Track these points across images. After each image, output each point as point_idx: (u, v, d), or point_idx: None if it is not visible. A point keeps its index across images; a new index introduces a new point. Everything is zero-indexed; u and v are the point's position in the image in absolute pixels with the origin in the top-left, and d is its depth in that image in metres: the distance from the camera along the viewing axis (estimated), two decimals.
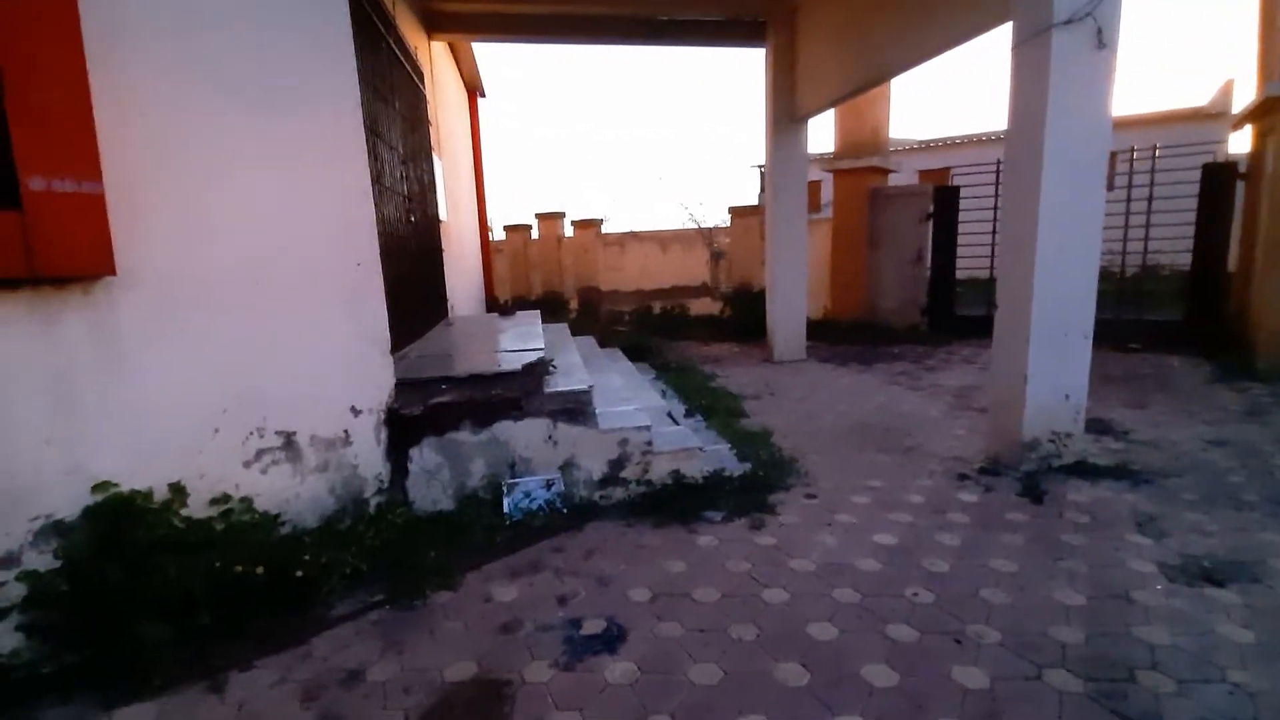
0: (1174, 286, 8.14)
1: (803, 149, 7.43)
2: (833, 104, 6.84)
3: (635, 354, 7.31)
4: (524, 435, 3.53)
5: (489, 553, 3.14)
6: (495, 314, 7.15)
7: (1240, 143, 7.65)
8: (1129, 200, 7.87)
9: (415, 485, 3.43)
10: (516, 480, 3.52)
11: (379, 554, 2.99)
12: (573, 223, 12.57)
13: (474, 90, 11.03)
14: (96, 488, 2.44)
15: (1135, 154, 7.83)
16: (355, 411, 3.17)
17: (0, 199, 2.08)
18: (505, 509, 3.43)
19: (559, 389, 3.79)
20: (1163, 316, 7.81)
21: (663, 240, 12.09)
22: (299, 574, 2.67)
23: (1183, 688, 2.05)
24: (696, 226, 11.58)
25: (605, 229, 12.73)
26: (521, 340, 4.95)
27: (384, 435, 3.31)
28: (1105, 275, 7.60)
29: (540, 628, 2.54)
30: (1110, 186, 8.13)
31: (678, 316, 10.74)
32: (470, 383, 3.74)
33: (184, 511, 2.60)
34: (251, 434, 2.82)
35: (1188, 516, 3.25)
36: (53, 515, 2.35)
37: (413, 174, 5.26)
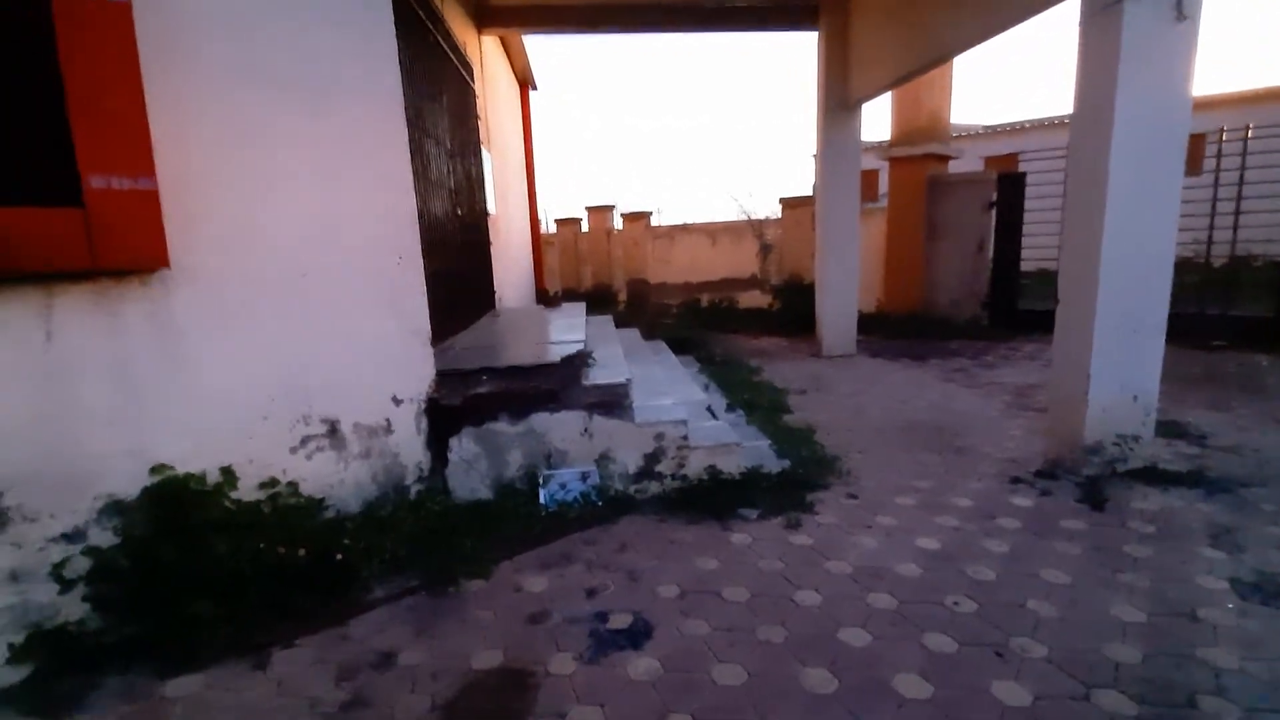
0: (1266, 278, 7.50)
1: (856, 136, 7.19)
2: (888, 88, 6.58)
3: (680, 347, 7.26)
4: (560, 427, 3.55)
5: (523, 543, 3.17)
6: (542, 306, 7.23)
7: None
8: (1216, 185, 7.30)
9: (454, 474, 3.50)
10: (552, 472, 3.55)
11: (417, 540, 3.07)
12: (622, 215, 12.58)
13: (525, 83, 11.14)
14: (154, 470, 2.58)
15: (1225, 135, 7.23)
16: (397, 401, 3.25)
17: (64, 197, 2.21)
18: (541, 500, 3.46)
19: (597, 381, 3.79)
20: (1251, 312, 7.21)
21: (712, 232, 11.95)
22: (339, 557, 2.77)
23: (1250, 717, 1.89)
24: (746, 218, 11.36)
25: (654, 221, 12.69)
26: (563, 332, 4.98)
27: (424, 424, 3.39)
28: (1189, 266, 7.10)
29: (568, 620, 2.55)
30: (1198, 171, 7.56)
31: (726, 309, 10.61)
32: (509, 374, 3.78)
33: (234, 494, 2.72)
34: (298, 421, 2.93)
35: (1268, 530, 2.99)
36: (114, 495, 2.50)
37: (460, 168, 5.35)
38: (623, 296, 12.51)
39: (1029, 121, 15.84)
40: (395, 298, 3.21)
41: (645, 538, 3.19)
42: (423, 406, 3.37)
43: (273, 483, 2.85)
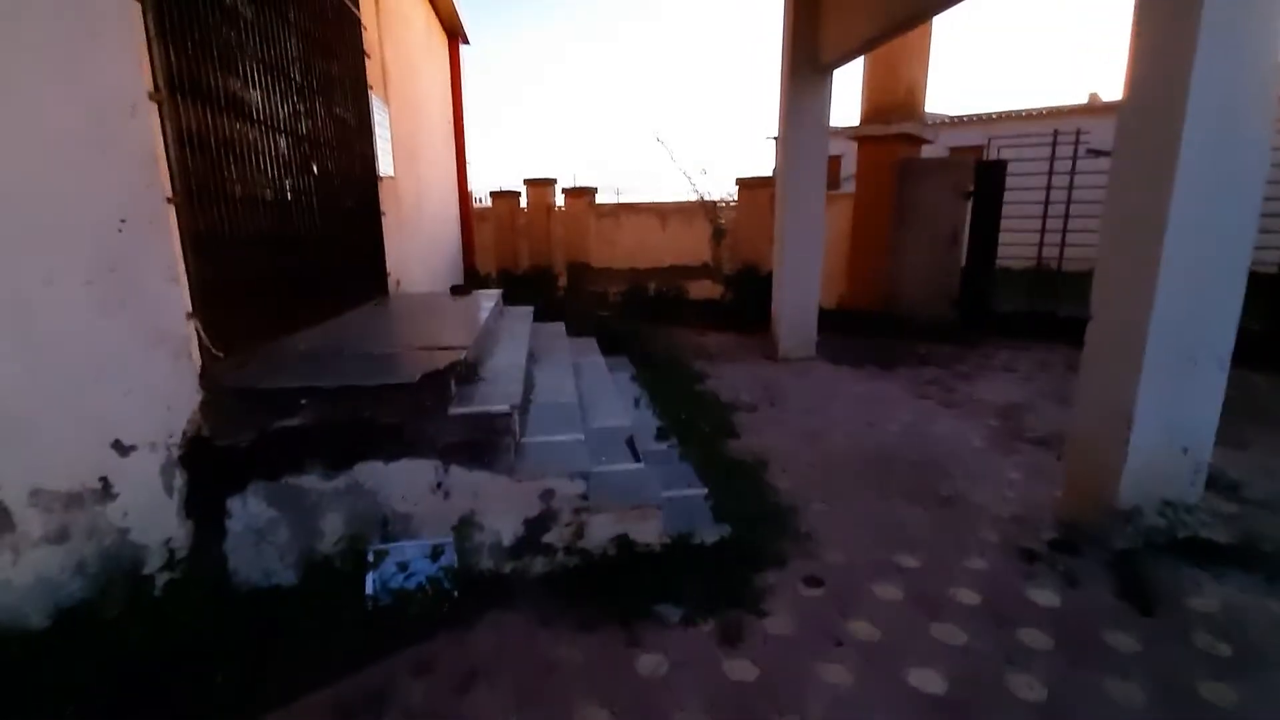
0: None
1: (824, 105, 6.18)
2: (863, 49, 5.58)
3: (614, 344, 6.18)
4: (400, 481, 2.44)
5: (321, 668, 2.06)
6: (450, 293, 6.01)
7: None
8: None
9: (237, 551, 2.35)
10: (389, 545, 2.44)
11: (138, 673, 1.93)
12: (564, 191, 11.34)
13: (454, 34, 9.77)
14: None
15: None
16: (121, 448, 2.07)
17: None
18: (368, 589, 2.35)
19: (465, 410, 2.69)
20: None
21: (661, 213, 10.82)
22: None
23: None
24: (699, 199, 10.28)
25: (601, 199, 11.50)
26: (451, 331, 3.84)
27: (180, 480, 2.22)
28: None
29: None
30: None
31: (673, 299, 9.56)
32: (342, 398, 2.63)
33: None
34: None
35: None
36: None
37: (321, 111, 4.10)
38: (563, 280, 11.32)
39: (999, 112, 15.21)
40: (117, 283, 2.02)
41: (511, 658, 2.13)
42: (175, 453, 2.20)
43: None
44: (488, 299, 5.37)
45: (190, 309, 2.33)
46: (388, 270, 5.48)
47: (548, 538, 2.56)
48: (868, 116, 8.10)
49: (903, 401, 5.15)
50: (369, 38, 5.34)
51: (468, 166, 10.53)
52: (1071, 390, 3.14)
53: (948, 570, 2.65)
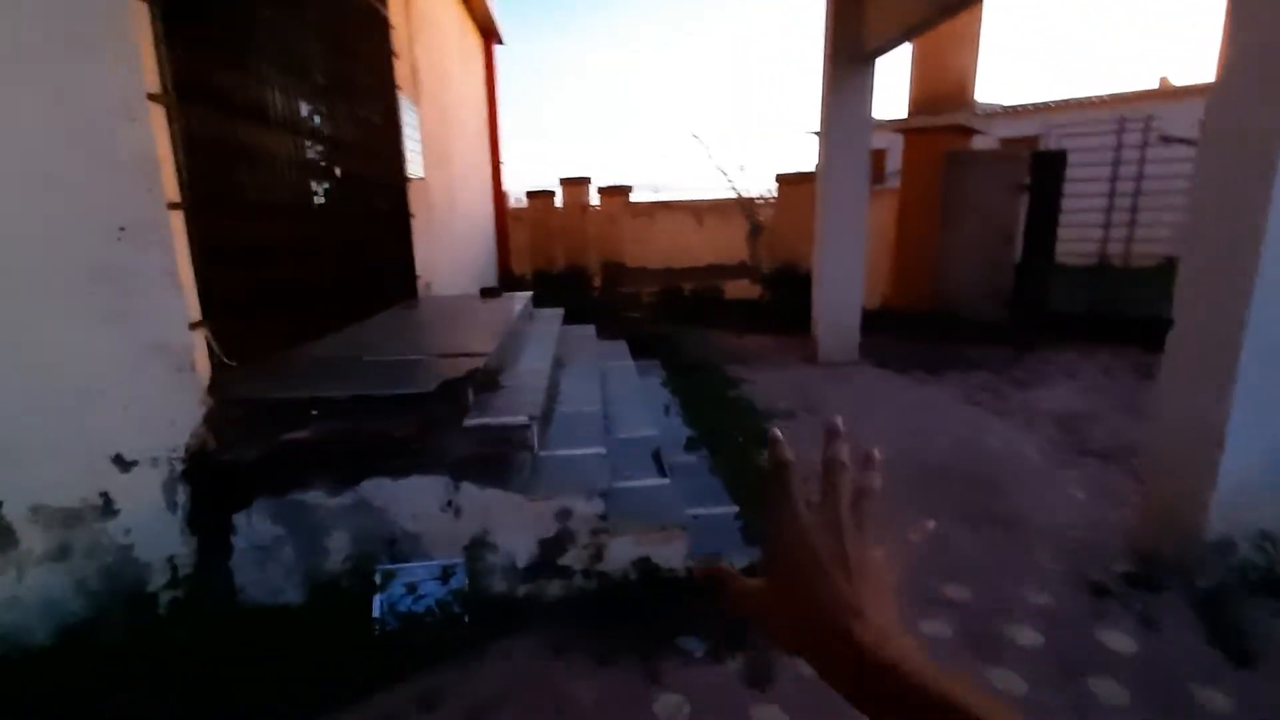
0: None
1: (867, 96, 5.86)
2: (911, 32, 5.25)
3: (646, 348, 6.02)
4: (409, 499, 2.31)
5: (327, 696, 1.95)
6: (481, 296, 5.94)
7: None
8: None
9: (243, 567, 2.27)
10: (397, 566, 2.32)
11: (131, 702, 1.85)
12: (599, 189, 11.22)
13: (489, 34, 9.75)
14: None
15: None
16: (122, 463, 2.01)
17: None
18: (375, 612, 2.24)
19: (481, 421, 2.56)
20: None
21: (698, 211, 10.60)
22: None
23: None
24: (736, 196, 10.02)
25: (636, 197, 11.34)
26: (475, 336, 3.73)
27: (183, 495, 2.14)
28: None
29: None
30: None
31: (710, 299, 9.33)
32: (355, 408, 2.53)
33: None
34: None
35: None
36: None
37: (344, 113, 4.04)
38: (598, 281, 11.20)
39: (1058, 100, 14.40)
40: (115, 294, 1.95)
41: (523, 694, 1.98)
42: (179, 468, 2.12)
43: None
44: (517, 302, 5.27)
45: (198, 318, 2.25)
46: (417, 273, 5.42)
47: (564, 560, 2.41)
48: (915, 107, 7.73)
49: (953, 410, 4.83)
50: (398, 37, 5.28)
51: (503, 166, 10.51)
52: (1143, 399, 2.84)
53: (1004, 603, 2.39)
